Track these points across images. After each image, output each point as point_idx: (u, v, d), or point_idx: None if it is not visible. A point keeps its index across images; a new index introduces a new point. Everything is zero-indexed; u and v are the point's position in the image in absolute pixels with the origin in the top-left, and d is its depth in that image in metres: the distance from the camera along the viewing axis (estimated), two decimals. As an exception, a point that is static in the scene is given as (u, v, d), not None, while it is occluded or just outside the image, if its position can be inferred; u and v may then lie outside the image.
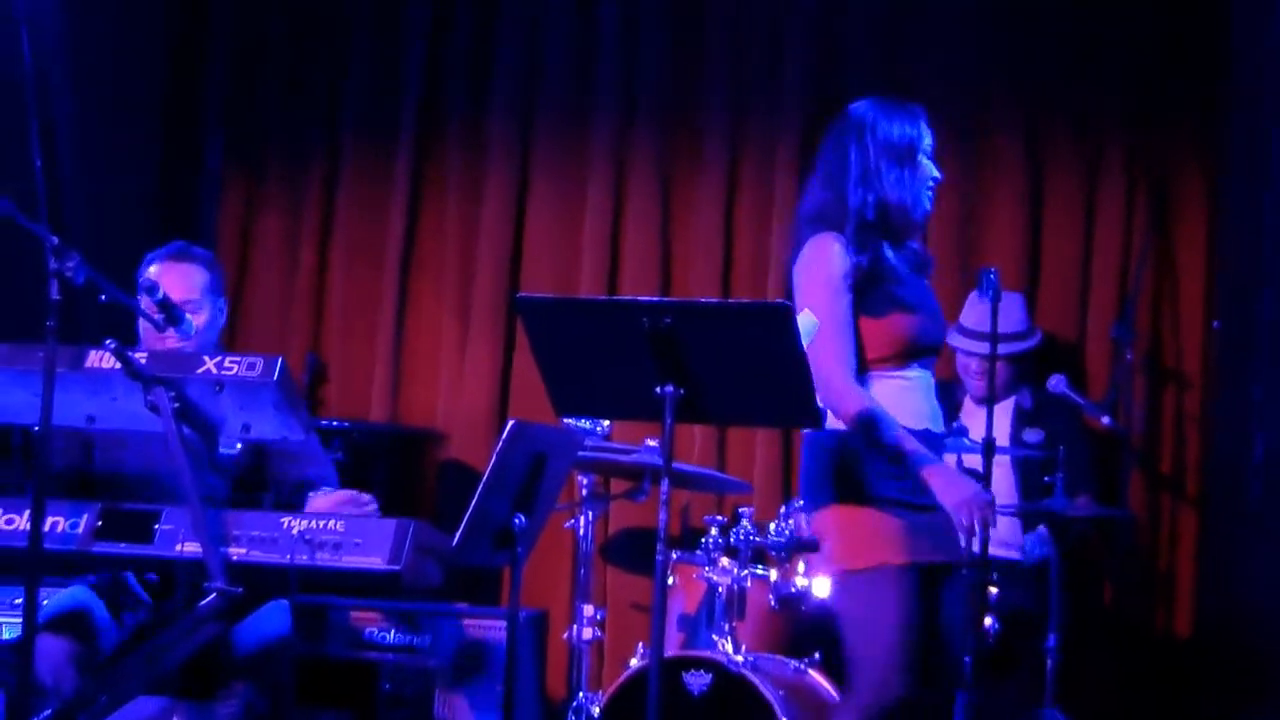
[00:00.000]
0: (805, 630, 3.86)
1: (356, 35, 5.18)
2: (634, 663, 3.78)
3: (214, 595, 2.62)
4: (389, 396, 5.05)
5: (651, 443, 4.09)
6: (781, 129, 4.84)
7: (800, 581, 3.83)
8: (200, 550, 2.65)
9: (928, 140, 3.13)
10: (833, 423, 3.03)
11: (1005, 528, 4.34)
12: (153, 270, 3.42)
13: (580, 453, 3.74)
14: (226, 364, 2.72)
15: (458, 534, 2.85)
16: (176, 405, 2.69)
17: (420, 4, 5.12)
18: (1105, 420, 4.42)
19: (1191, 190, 4.67)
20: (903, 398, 3.05)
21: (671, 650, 3.80)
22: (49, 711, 2.73)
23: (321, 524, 2.69)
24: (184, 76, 5.24)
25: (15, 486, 3.80)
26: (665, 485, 2.79)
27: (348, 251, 5.15)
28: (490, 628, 3.96)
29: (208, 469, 3.27)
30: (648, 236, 4.93)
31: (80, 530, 2.74)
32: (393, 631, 3.89)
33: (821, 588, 3.80)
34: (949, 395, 4.40)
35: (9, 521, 2.75)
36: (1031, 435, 4.45)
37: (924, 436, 3.05)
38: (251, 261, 5.21)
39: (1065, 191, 4.72)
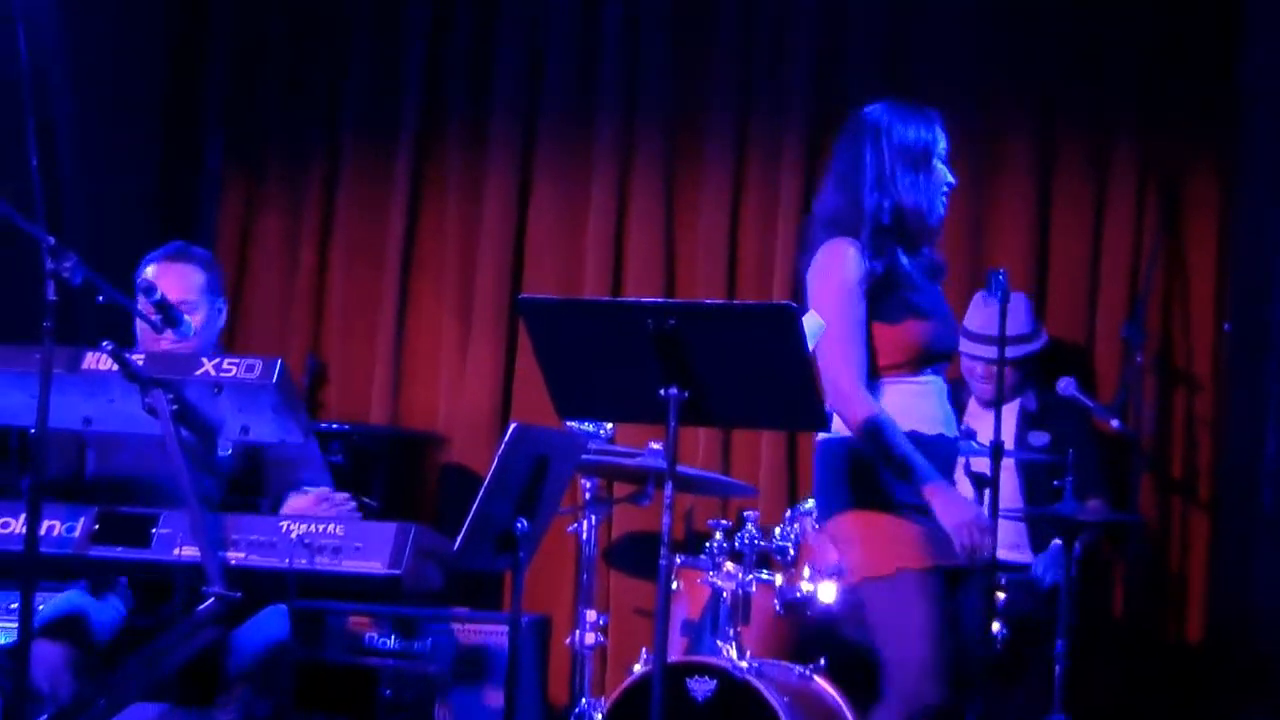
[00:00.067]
0: (811, 636, 3.84)
1: (356, 35, 5.17)
2: (637, 668, 3.76)
3: (212, 600, 2.60)
4: (389, 398, 5.03)
5: (655, 446, 4.06)
6: (786, 129, 4.81)
7: (805, 586, 3.80)
8: (198, 554, 2.63)
9: (943, 144, 3.11)
10: (839, 426, 3.01)
11: (1011, 531, 4.30)
12: (150, 271, 3.40)
13: (583, 456, 3.71)
14: (225, 366, 2.70)
15: (459, 538, 2.82)
16: (174, 407, 2.68)
17: (420, 4, 5.11)
18: (1115, 423, 4.39)
19: (1202, 190, 4.64)
20: (917, 403, 3.04)
21: (675, 656, 3.78)
22: (45, 717, 2.71)
23: (321, 528, 2.67)
24: (184, 76, 5.24)
25: (11, 489, 3.78)
26: (669, 489, 2.77)
27: (348, 252, 5.13)
28: (492, 633, 3.94)
29: (204, 472, 3.24)
30: (652, 237, 4.91)
31: (77, 534, 2.73)
32: (393, 636, 3.86)
33: (827, 593, 3.77)
34: (954, 398, 4.37)
35: (5, 525, 2.74)
36: (1037, 438, 4.43)
37: (938, 441, 3.04)
38: (251, 262, 5.20)
39: (1074, 191, 4.70)
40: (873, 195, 3.03)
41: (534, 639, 4.19)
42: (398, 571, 2.62)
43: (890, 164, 3.03)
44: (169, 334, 3.09)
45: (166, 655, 2.69)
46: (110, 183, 4.84)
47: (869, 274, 2.99)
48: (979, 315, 4.39)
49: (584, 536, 4.21)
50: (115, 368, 2.67)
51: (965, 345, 4.41)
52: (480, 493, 2.86)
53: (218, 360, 2.71)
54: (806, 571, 3.81)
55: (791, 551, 3.83)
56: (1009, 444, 4.33)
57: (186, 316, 3.07)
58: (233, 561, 2.64)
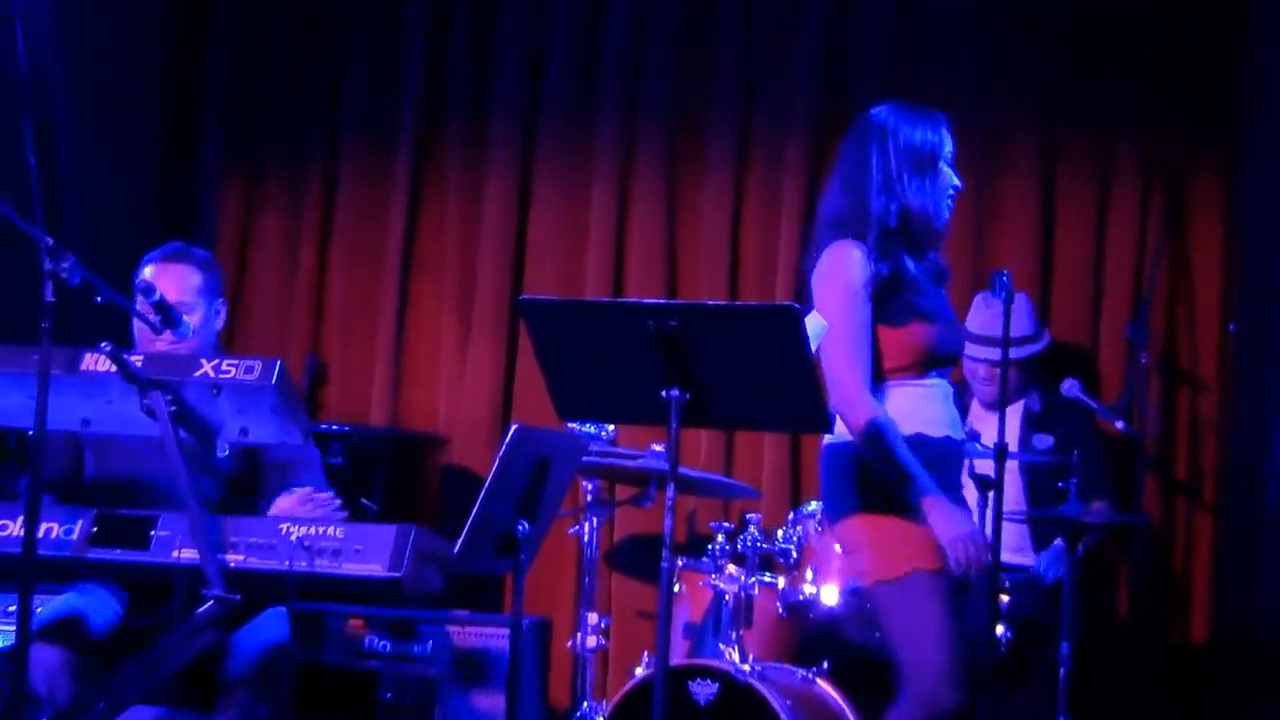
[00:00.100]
0: (814, 639, 3.82)
1: (356, 35, 5.16)
2: (639, 672, 3.74)
3: (211, 603, 2.59)
4: (389, 399, 5.02)
5: (657, 447, 4.04)
6: (789, 129, 4.80)
7: (808, 589, 3.79)
8: (197, 557, 2.62)
9: (949, 148, 3.10)
10: (845, 430, 3.00)
11: (1015, 534, 4.28)
12: (148, 271, 3.40)
13: (585, 458, 3.69)
14: (224, 367, 2.69)
15: (459, 540, 2.81)
16: (173, 409, 2.66)
17: (420, 4, 5.10)
18: (1119, 425, 4.38)
19: (1206, 190, 4.62)
20: (923, 405, 3.03)
21: (677, 659, 3.77)
22: (44, 720, 2.70)
23: (321, 530, 2.66)
24: (184, 76, 5.23)
25: (9, 491, 3.76)
26: (671, 491, 2.76)
27: (348, 252, 5.12)
28: (493, 636, 3.93)
29: (203, 473, 3.23)
30: (653, 237, 4.89)
31: (75, 536, 2.73)
32: (393, 640, 3.85)
33: (830, 596, 3.75)
34: (957, 401, 4.35)
35: (2, 527, 2.74)
36: (1041, 440, 4.41)
37: (945, 443, 3.04)
38: (251, 262, 5.19)
39: (1077, 192, 4.68)
40: (880, 198, 3.02)
41: (535, 642, 4.18)
42: (398, 574, 2.61)
43: (897, 166, 3.02)
44: (168, 334, 3.07)
45: (165, 658, 2.69)
46: (110, 183, 4.84)
47: (874, 277, 2.99)
48: (980, 317, 4.37)
49: (585, 539, 4.19)
50: (114, 369, 2.67)
51: (967, 347, 4.39)
52: (481, 495, 2.85)
53: (217, 361, 2.70)
54: (809, 574, 3.79)
55: (794, 554, 3.81)
56: (1013, 446, 4.31)
57: (185, 317, 3.06)
58: (232, 564, 2.64)
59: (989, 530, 3.37)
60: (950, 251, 3.27)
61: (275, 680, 3.11)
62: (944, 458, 3.03)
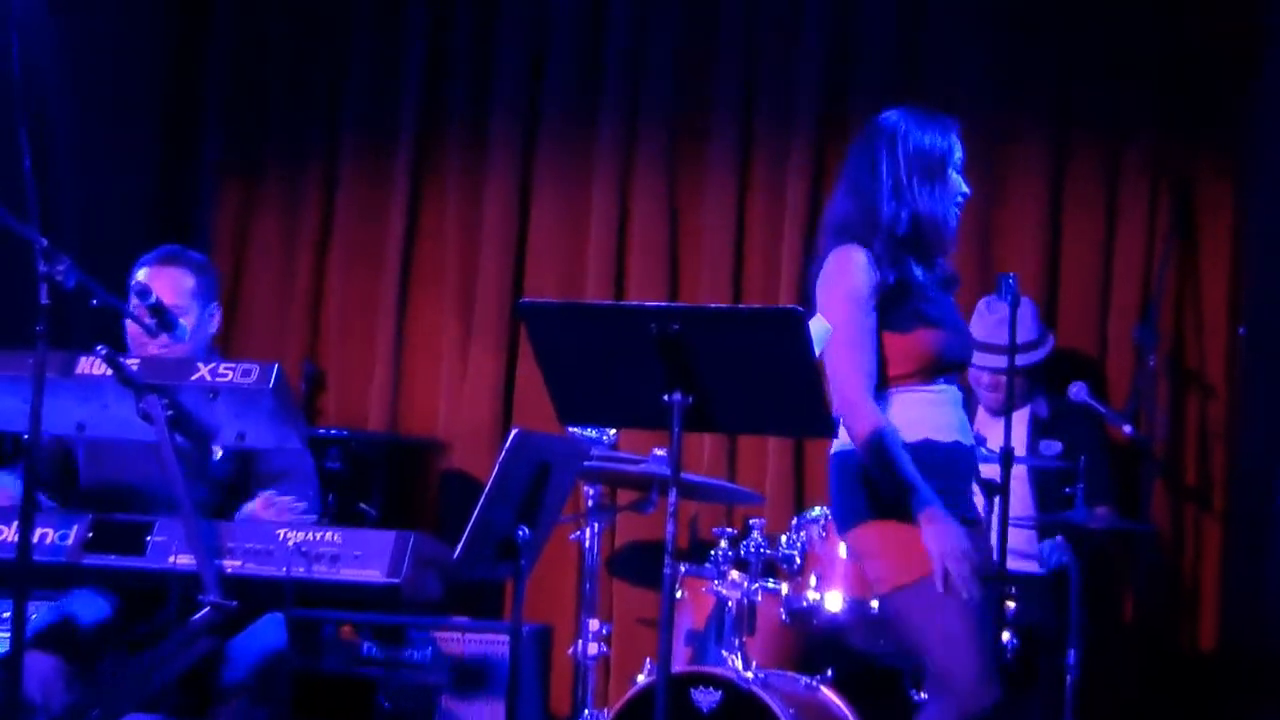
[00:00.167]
0: (817, 646, 3.80)
1: (356, 35, 5.15)
2: (641, 679, 3.72)
3: (208, 609, 2.58)
4: (388, 404, 4.99)
5: (659, 452, 4.01)
6: (791, 130, 4.77)
7: (812, 595, 3.76)
8: (194, 562, 2.60)
9: (959, 154, 3.09)
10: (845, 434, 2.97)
11: (1022, 540, 4.25)
12: (141, 274, 3.38)
13: (586, 462, 3.66)
14: (221, 371, 2.68)
15: (459, 546, 2.79)
16: (170, 413, 2.64)
17: (420, 4, 5.09)
18: (1127, 429, 4.35)
19: (1215, 192, 4.60)
20: (931, 411, 3.02)
21: (679, 666, 3.76)
22: (37, 728, 2.67)
23: (318, 535, 2.63)
24: (184, 76, 5.23)
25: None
26: (673, 496, 2.74)
27: (346, 254, 5.11)
28: (493, 642, 3.91)
29: (199, 478, 3.20)
30: (655, 239, 4.87)
31: (70, 542, 2.72)
32: (391, 647, 3.82)
33: (834, 602, 3.72)
34: (965, 407, 4.32)
35: (-3, 532, 2.69)
36: (1048, 445, 4.38)
37: (954, 448, 3.02)
38: (248, 264, 5.18)
39: (1085, 195, 4.66)
40: (890, 204, 3.00)
41: (535, 649, 4.16)
42: (397, 580, 2.59)
43: (906, 172, 3.00)
44: (162, 337, 3.05)
45: (162, 665, 2.67)
46: (108, 183, 4.84)
47: (880, 283, 2.98)
48: (983, 323, 4.35)
49: (587, 544, 4.16)
50: (110, 373, 2.65)
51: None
52: (481, 500, 2.83)
53: (214, 365, 2.69)
54: (813, 580, 3.76)
55: (798, 560, 3.79)
56: (1020, 451, 4.28)
57: (180, 320, 3.03)
58: (229, 570, 2.63)
59: (995, 536, 3.34)
60: (957, 254, 3.25)
61: (273, 687, 3.10)
62: (953, 463, 3.02)
